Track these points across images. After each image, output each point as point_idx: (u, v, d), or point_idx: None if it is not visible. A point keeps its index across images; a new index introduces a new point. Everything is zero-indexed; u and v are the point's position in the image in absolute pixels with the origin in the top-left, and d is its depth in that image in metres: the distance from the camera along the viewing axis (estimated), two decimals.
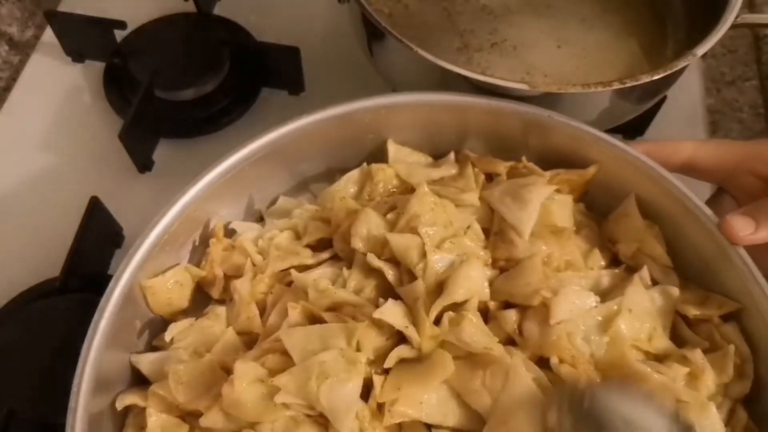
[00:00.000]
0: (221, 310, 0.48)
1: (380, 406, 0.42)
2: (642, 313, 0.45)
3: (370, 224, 0.47)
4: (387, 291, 0.46)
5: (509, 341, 0.44)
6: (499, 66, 0.61)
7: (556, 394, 0.40)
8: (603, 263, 0.49)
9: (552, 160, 0.51)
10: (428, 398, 0.42)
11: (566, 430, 0.38)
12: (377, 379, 0.42)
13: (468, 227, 0.48)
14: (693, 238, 0.47)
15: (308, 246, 0.50)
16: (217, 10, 0.76)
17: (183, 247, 0.50)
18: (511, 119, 0.50)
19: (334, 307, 0.45)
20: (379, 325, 0.43)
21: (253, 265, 0.49)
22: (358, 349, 0.42)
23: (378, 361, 0.43)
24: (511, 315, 0.44)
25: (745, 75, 0.77)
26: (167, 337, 0.47)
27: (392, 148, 0.53)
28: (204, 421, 0.42)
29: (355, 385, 0.41)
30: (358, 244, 0.47)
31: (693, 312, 0.46)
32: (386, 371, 0.43)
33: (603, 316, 0.44)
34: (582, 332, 0.43)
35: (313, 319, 0.45)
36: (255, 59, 0.69)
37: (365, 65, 0.62)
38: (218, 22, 0.74)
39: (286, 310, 0.45)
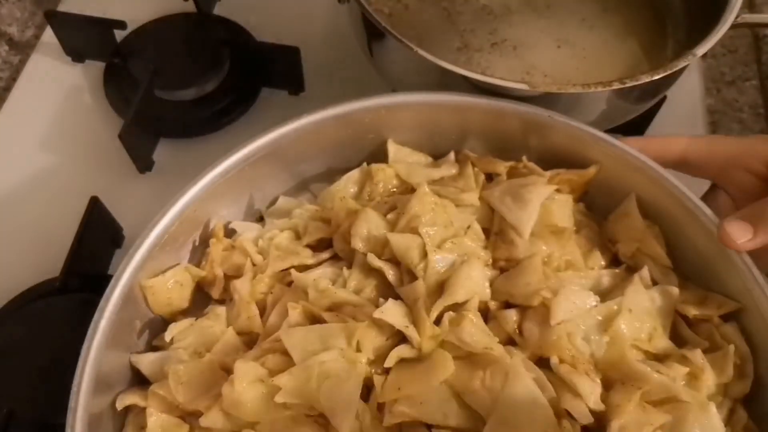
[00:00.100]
0: (221, 310, 0.48)
1: (380, 406, 0.42)
2: (642, 313, 0.45)
3: (370, 224, 0.47)
4: (387, 291, 0.46)
5: (509, 341, 0.44)
6: (499, 66, 0.61)
7: None
8: (603, 263, 0.49)
9: (552, 160, 0.51)
10: (428, 398, 0.41)
11: None
12: (377, 379, 0.42)
13: (468, 227, 0.48)
14: (693, 238, 0.47)
15: (308, 246, 0.50)
16: (217, 10, 0.76)
17: (183, 247, 0.50)
18: (511, 119, 0.50)
19: (334, 307, 0.45)
20: (379, 325, 0.43)
21: (253, 265, 0.49)
22: (359, 349, 0.42)
23: (378, 361, 0.43)
24: (511, 315, 0.44)
25: (745, 75, 0.77)
26: (167, 337, 0.47)
27: (392, 148, 0.53)
28: (204, 421, 0.42)
29: (355, 385, 0.41)
30: (358, 244, 0.47)
31: (693, 312, 0.46)
32: (386, 371, 0.43)
33: (603, 316, 0.44)
34: (582, 332, 0.43)
35: (313, 319, 0.45)
36: (255, 59, 0.69)
37: (365, 65, 0.62)
38: (218, 22, 0.74)
39: (286, 310, 0.45)
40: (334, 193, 0.51)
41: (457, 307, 0.44)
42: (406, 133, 0.53)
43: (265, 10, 0.76)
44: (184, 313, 0.49)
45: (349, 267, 0.48)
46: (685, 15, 0.65)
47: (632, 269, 0.48)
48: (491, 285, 0.46)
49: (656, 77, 0.50)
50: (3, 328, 0.54)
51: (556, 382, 0.41)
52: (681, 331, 0.46)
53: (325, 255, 0.50)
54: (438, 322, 0.43)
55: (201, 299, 0.50)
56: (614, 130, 0.50)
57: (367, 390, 0.42)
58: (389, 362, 0.42)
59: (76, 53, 0.73)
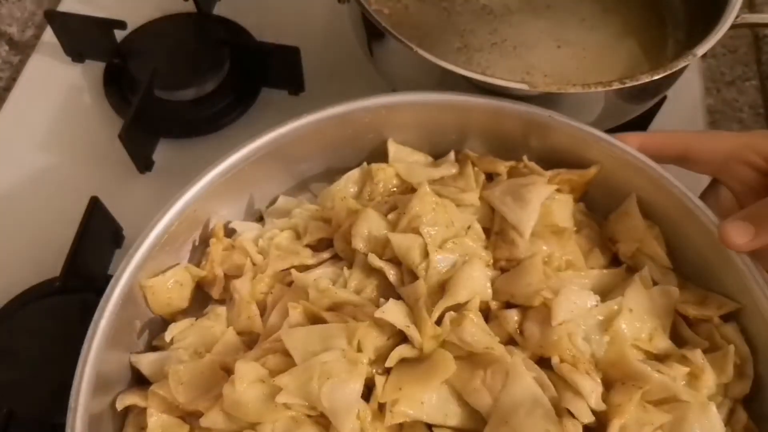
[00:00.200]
0: (221, 310, 0.48)
1: (381, 407, 0.42)
2: (642, 312, 0.45)
3: (371, 224, 0.47)
4: (388, 291, 0.46)
5: (510, 341, 0.44)
6: (499, 66, 0.61)
7: None
8: (603, 263, 0.49)
9: (552, 161, 0.51)
10: (429, 398, 0.41)
11: None
12: (378, 380, 0.42)
13: (469, 227, 0.48)
14: (693, 238, 0.47)
15: (308, 246, 0.50)
16: (217, 10, 0.76)
17: (183, 247, 0.50)
18: (511, 119, 0.50)
19: (335, 307, 0.45)
20: (380, 324, 0.43)
21: (254, 264, 0.49)
22: (360, 350, 0.42)
23: (379, 360, 0.43)
24: (513, 315, 0.44)
25: (745, 75, 0.77)
26: (167, 337, 0.47)
27: (392, 147, 0.53)
28: (204, 422, 0.42)
29: (357, 386, 0.41)
30: (359, 244, 0.47)
31: (693, 312, 0.46)
32: (387, 371, 0.43)
33: (603, 316, 0.44)
34: (582, 332, 0.43)
35: (314, 319, 0.45)
36: (255, 59, 0.69)
37: (365, 65, 0.62)
38: (218, 22, 0.74)
39: (286, 310, 0.45)
40: (335, 192, 0.51)
41: (459, 308, 0.44)
42: (406, 133, 0.53)
43: (265, 10, 0.76)
44: (184, 313, 0.49)
45: (350, 267, 0.48)
46: (685, 15, 0.65)
47: (632, 269, 0.48)
48: (492, 285, 0.46)
49: (656, 77, 0.50)
50: (3, 328, 0.54)
51: (557, 381, 0.42)
52: (681, 331, 0.46)
53: (326, 255, 0.50)
54: (439, 322, 0.43)
55: (201, 299, 0.50)
56: (614, 130, 0.50)
57: (368, 390, 0.42)
58: (390, 362, 0.42)
59: (76, 53, 0.73)
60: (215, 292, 0.49)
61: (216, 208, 0.51)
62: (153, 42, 0.71)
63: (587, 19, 0.65)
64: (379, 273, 0.47)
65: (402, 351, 0.42)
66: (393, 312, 0.43)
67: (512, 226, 0.47)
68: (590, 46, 0.63)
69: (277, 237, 0.50)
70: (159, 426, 0.43)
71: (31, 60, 0.74)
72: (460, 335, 0.42)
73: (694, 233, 0.47)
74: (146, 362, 0.46)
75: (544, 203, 0.48)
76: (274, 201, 0.54)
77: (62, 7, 0.76)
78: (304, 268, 0.48)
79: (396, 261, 0.46)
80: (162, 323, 0.48)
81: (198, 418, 0.42)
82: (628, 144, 0.48)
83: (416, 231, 0.46)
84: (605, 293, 0.46)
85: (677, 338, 0.46)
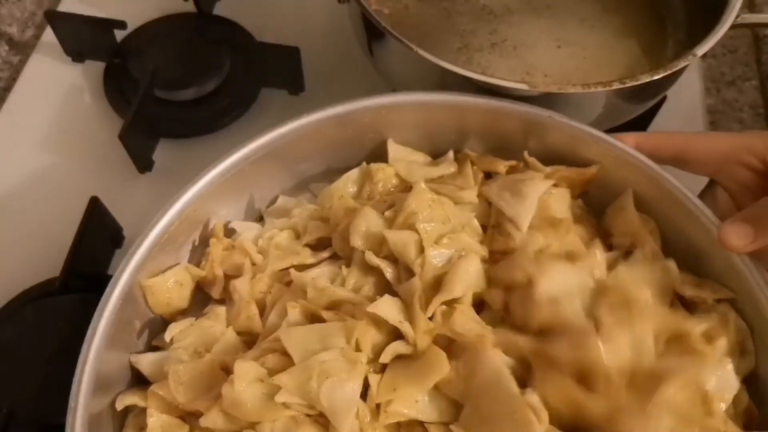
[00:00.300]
0: (221, 310, 0.48)
1: (379, 406, 0.42)
2: (642, 284, 0.45)
3: (368, 222, 0.47)
4: (386, 289, 0.46)
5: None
6: (499, 66, 0.61)
7: None
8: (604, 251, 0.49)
9: (552, 160, 0.51)
10: (423, 396, 0.42)
11: None
12: (373, 379, 0.42)
13: (465, 224, 0.48)
14: (693, 238, 0.47)
15: (308, 245, 0.50)
16: (217, 10, 0.76)
17: (183, 247, 0.50)
18: (511, 119, 0.50)
19: (333, 306, 0.45)
20: (378, 323, 0.43)
21: (254, 264, 0.49)
22: (358, 348, 0.42)
23: (377, 359, 0.43)
24: (498, 293, 0.44)
25: (745, 75, 0.77)
26: (167, 337, 0.47)
27: (392, 147, 0.53)
28: (204, 422, 0.42)
29: (356, 385, 0.41)
30: (357, 242, 0.47)
31: (689, 292, 0.46)
32: (383, 368, 0.43)
33: (595, 286, 0.44)
34: (579, 304, 0.43)
35: (313, 318, 0.45)
36: (255, 59, 0.69)
37: (365, 65, 0.62)
38: (218, 22, 0.74)
39: (285, 309, 0.45)
40: (333, 192, 0.51)
41: (453, 303, 0.44)
42: (406, 133, 0.53)
43: (265, 10, 0.76)
44: (184, 313, 0.49)
45: (348, 266, 0.48)
46: (685, 15, 0.65)
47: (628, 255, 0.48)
48: (486, 276, 0.46)
49: (656, 77, 0.51)
50: (3, 328, 0.54)
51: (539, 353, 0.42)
52: (679, 311, 0.46)
53: (325, 254, 0.49)
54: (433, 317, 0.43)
55: (201, 299, 0.50)
56: (614, 130, 0.50)
57: (366, 389, 0.42)
58: (384, 357, 0.42)
59: (76, 53, 0.73)
60: (215, 292, 0.49)
61: (216, 208, 0.51)
62: (153, 42, 0.71)
63: (587, 19, 0.65)
64: (377, 271, 0.46)
65: (396, 347, 0.42)
66: (386, 307, 0.43)
67: (509, 219, 0.47)
68: (590, 46, 0.63)
69: (277, 237, 0.50)
70: (159, 426, 0.43)
71: (31, 60, 0.74)
72: (452, 327, 0.42)
73: (694, 233, 0.47)
74: (146, 362, 0.46)
75: (541, 197, 0.48)
76: (274, 201, 0.54)
77: (62, 7, 0.76)
78: (303, 267, 0.48)
79: (393, 259, 0.46)
80: (162, 323, 0.48)
81: (198, 418, 0.42)
82: (625, 143, 0.48)
83: (412, 227, 0.46)
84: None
85: None
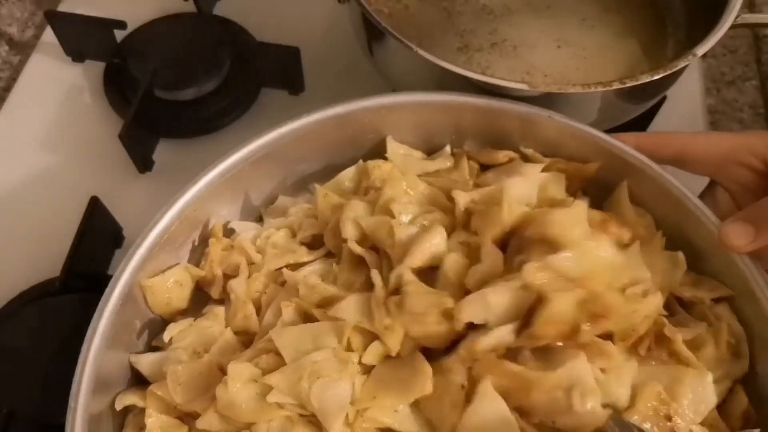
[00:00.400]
0: (220, 310, 0.48)
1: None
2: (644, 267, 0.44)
3: (357, 213, 0.47)
4: None
5: (465, 292, 0.43)
6: (499, 66, 0.61)
7: None
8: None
9: None
10: (404, 407, 0.41)
11: None
12: (359, 381, 0.41)
13: (438, 202, 0.49)
14: (693, 238, 0.47)
15: (304, 244, 0.50)
16: (217, 10, 0.76)
17: (182, 247, 0.50)
18: (510, 119, 0.50)
19: (325, 303, 0.45)
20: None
21: (252, 264, 0.49)
22: (350, 348, 0.42)
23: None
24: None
25: (745, 75, 0.77)
26: (166, 337, 0.47)
27: (391, 145, 0.53)
28: (200, 423, 0.42)
29: (347, 386, 0.40)
30: (348, 233, 0.47)
31: (687, 294, 0.46)
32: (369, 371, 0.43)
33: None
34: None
35: (307, 318, 0.45)
36: (255, 59, 0.69)
37: (365, 65, 0.62)
38: (218, 22, 0.74)
39: (280, 309, 0.45)
40: (319, 191, 0.51)
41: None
42: (405, 133, 0.53)
43: (265, 10, 0.76)
44: (184, 313, 0.49)
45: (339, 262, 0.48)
46: (685, 15, 0.65)
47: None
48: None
49: (656, 77, 0.50)
50: (3, 328, 0.54)
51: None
52: (674, 310, 0.47)
53: (321, 252, 0.49)
54: None
55: (200, 299, 0.50)
56: (614, 130, 0.50)
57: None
58: (367, 358, 0.42)
59: (76, 53, 0.73)
60: (215, 292, 0.49)
61: (216, 208, 0.51)
62: (153, 42, 0.71)
63: (587, 19, 0.65)
64: (367, 266, 0.46)
65: (376, 348, 0.42)
66: (347, 308, 0.42)
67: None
68: (590, 46, 0.63)
69: (274, 236, 0.50)
70: (158, 426, 0.43)
71: (31, 60, 0.74)
72: (409, 310, 0.41)
73: (694, 233, 0.47)
74: (146, 362, 0.46)
75: (538, 182, 0.48)
76: (273, 201, 0.54)
77: (62, 7, 0.76)
78: (299, 266, 0.48)
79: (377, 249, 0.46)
80: (162, 323, 0.48)
81: (196, 419, 0.42)
82: (625, 143, 0.48)
83: (389, 213, 0.46)
84: None
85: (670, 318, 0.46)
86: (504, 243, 0.45)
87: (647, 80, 0.50)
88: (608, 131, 0.50)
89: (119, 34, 0.70)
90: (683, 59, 0.51)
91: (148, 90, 0.65)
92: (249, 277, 0.48)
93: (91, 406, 0.41)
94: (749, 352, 0.44)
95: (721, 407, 0.43)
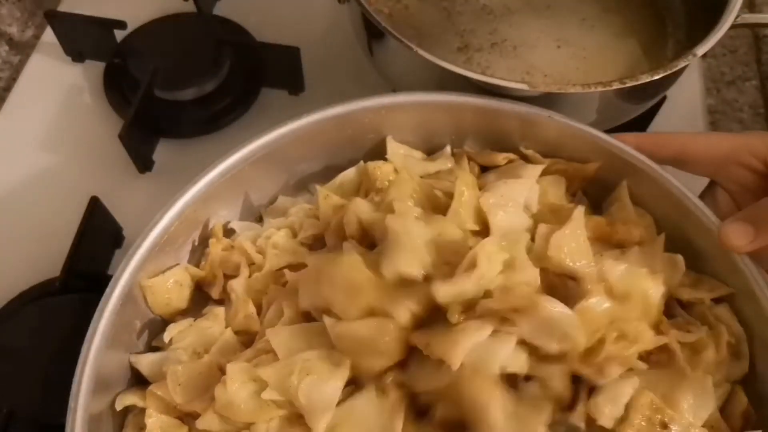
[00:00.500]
0: (220, 310, 0.48)
1: None
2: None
3: (360, 211, 0.47)
4: None
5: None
6: (499, 66, 0.61)
7: None
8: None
9: None
10: None
11: None
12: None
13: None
14: (693, 238, 0.47)
15: (305, 244, 0.50)
16: (217, 10, 0.76)
17: (182, 247, 0.50)
18: (510, 119, 0.50)
19: None
20: None
21: (252, 264, 0.49)
22: None
23: None
24: None
25: (745, 75, 0.77)
26: (166, 337, 0.47)
27: (391, 146, 0.53)
28: (200, 423, 0.42)
29: (336, 387, 0.40)
30: (353, 231, 0.47)
31: (686, 296, 0.46)
32: None
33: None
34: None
35: (308, 318, 0.45)
36: (255, 59, 0.69)
37: (365, 65, 0.62)
38: (218, 22, 0.74)
39: (281, 310, 0.45)
40: (320, 192, 0.51)
41: None
42: (405, 133, 0.53)
43: (265, 10, 0.76)
44: (184, 314, 0.49)
45: None
46: (685, 15, 0.65)
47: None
48: None
49: (656, 77, 0.50)
50: (3, 328, 0.54)
51: None
52: (674, 312, 0.47)
53: (322, 252, 0.49)
54: None
55: (200, 299, 0.50)
56: (614, 130, 0.50)
57: None
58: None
59: (76, 53, 0.73)
60: (215, 293, 0.49)
61: (215, 208, 0.51)
62: (153, 42, 0.71)
63: (587, 19, 0.65)
64: None
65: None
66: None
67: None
68: (590, 46, 0.63)
69: (274, 236, 0.50)
70: (158, 427, 0.43)
71: (31, 60, 0.74)
72: None
73: (694, 233, 0.47)
74: (146, 362, 0.46)
75: (540, 185, 0.48)
76: (273, 201, 0.54)
77: (62, 7, 0.76)
78: (300, 266, 0.48)
79: None
80: (161, 323, 0.48)
81: (196, 419, 0.42)
82: (625, 143, 0.48)
83: (391, 210, 0.46)
84: None
85: (670, 319, 0.46)
86: None
87: (647, 80, 0.50)
88: (608, 131, 0.50)
89: (119, 34, 0.70)
90: (683, 59, 0.51)
91: (148, 90, 0.65)
92: (249, 277, 0.48)
93: (91, 406, 0.41)
94: (749, 353, 0.45)
95: (722, 408, 0.43)
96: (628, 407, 0.40)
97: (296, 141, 0.50)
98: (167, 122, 0.68)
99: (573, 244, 0.44)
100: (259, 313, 0.47)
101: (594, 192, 0.52)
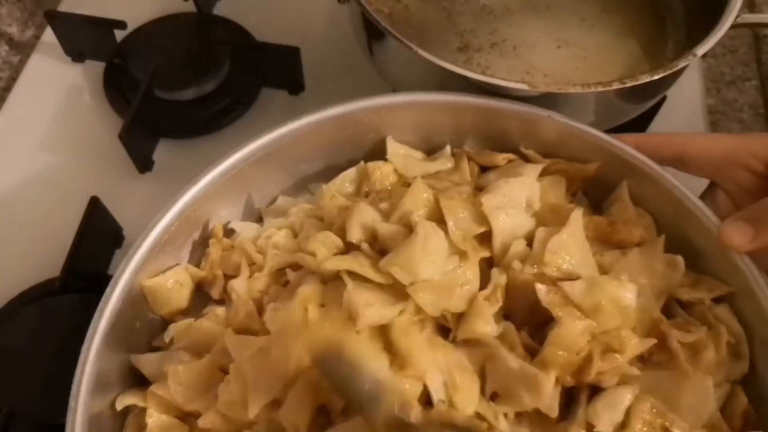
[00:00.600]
0: (220, 310, 0.48)
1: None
2: (641, 270, 0.45)
3: (364, 217, 0.47)
4: None
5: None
6: (499, 66, 0.61)
7: None
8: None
9: None
10: None
11: None
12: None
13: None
14: (693, 238, 0.47)
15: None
16: (217, 10, 0.76)
17: (183, 248, 0.50)
18: (510, 119, 0.50)
19: None
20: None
21: (252, 264, 0.49)
22: None
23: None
24: None
25: (745, 75, 0.77)
26: (166, 337, 0.47)
27: (391, 146, 0.53)
28: (202, 422, 0.42)
29: (285, 374, 0.41)
30: (354, 236, 0.47)
31: (686, 296, 0.46)
32: None
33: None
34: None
35: None
36: (255, 59, 0.69)
37: (365, 65, 0.62)
38: (218, 22, 0.74)
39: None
40: (325, 192, 0.51)
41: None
42: (405, 133, 0.53)
43: (265, 10, 0.76)
44: (184, 314, 0.49)
45: None
46: (685, 15, 0.65)
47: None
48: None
49: (656, 77, 0.50)
50: (3, 328, 0.54)
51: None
52: (674, 312, 0.47)
53: None
54: None
55: (201, 299, 0.50)
56: (614, 130, 0.50)
57: None
58: None
59: (76, 53, 0.73)
60: (215, 293, 0.49)
61: (216, 208, 0.51)
62: (153, 42, 0.71)
63: (587, 19, 0.65)
64: None
65: None
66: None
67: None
68: (590, 46, 0.63)
69: (275, 236, 0.50)
70: (158, 426, 0.43)
71: (31, 60, 0.74)
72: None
73: (694, 233, 0.47)
74: (146, 362, 0.46)
75: (539, 183, 0.48)
76: (273, 201, 0.54)
77: (62, 7, 0.76)
78: (300, 266, 0.48)
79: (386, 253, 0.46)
80: (162, 323, 0.48)
81: (197, 419, 0.42)
82: (625, 144, 0.48)
83: (407, 225, 0.46)
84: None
85: (670, 318, 0.46)
86: None
87: (647, 80, 0.50)
88: (608, 131, 0.50)
89: (119, 34, 0.70)
90: (683, 59, 0.51)
91: (148, 90, 0.65)
92: (250, 277, 0.48)
93: (91, 406, 0.41)
94: (749, 353, 0.45)
95: (722, 408, 0.43)
96: (628, 413, 0.40)
97: (296, 141, 0.50)
98: (167, 122, 0.68)
99: (571, 247, 0.44)
100: (259, 313, 0.47)
101: (594, 192, 0.52)
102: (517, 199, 0.47)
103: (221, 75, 0.69)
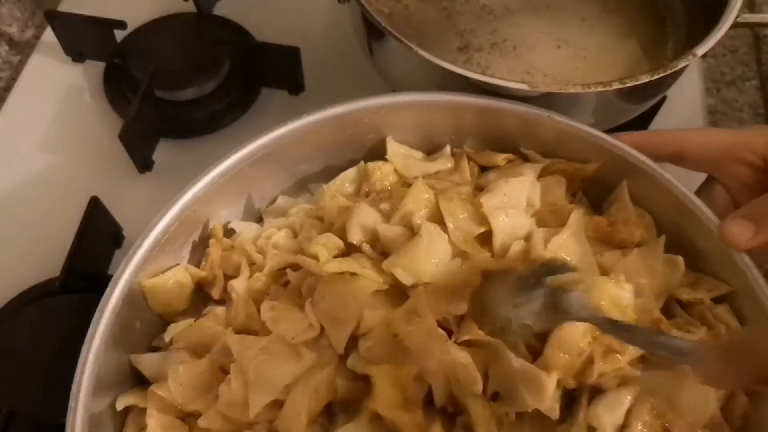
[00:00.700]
0: (220, 310, 0.48)
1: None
2: (641, 271, 0.45)
3: (364, 217, 0.47)
4: None
5: None
6: (499, 66, 0.61)
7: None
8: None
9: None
10: None
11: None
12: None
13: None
14: (693, 237, 0.47)
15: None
16: (217, 10, 0.76)
17: (183, 248, 0.50)
18: (510, 119, 0.50)
19: None
20: None
21: (252, 264, 0.49)
22: None
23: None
24: None
25: (745, 75, 0.77)
26: (166, 337, 0.47)
27: (391, 146, 0.53)
28: (202, 422, 0.42)
29: (287, 374, 0.42)
30: (354, 237, 0.47)
31: (686, 296, 0.46)
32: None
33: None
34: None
35: None
36: (255, 59, 0.69)
37: (365, 65, 0.62)
38: (218, 22, 0.74)
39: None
40: (326, 192, 0.51)
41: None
42: (405, 133, 0.53)
43: (265, 10, 0.76)
44: (184, 314, 0.49)
45: None
46: (685, 15, 0.65)
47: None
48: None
49: (656, 77, 0.50)
50: (3, 328, 0.54)
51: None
52: (674, 312, 0.47)
53: None
54: None
55: (200, 299, 0.50)
56: (614, 130, 0.50)
57: None
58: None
59: (76, 53, 0.73)
60: (215, 293, 0.49)
61: (216, 208, 0.51)
62: (153, 42, 0.71)
63: (587, 19, 0.65)
64: None
65: None
66: None
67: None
68: (590, 46, 0.63)
69: (275, 236, 0.50)
70: (158, 426, 0.43)
71: (31, 60, 0.74)
72: None
73: (693, 232, 0.47)
74: (146, 362, 0.46)
75: (539, 183, 0.48)
76: (273, 201, 0.54)
77: (62, 7, 0.76)
78: (300, 266, 0.48)
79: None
80: (162, 323, 0.48)
81: (197, 419, 0.42)
82: (624, 143, 0.48)
83: (408, 226, 0.46)
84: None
85: (670, 319, 0.46)
86: None
87: (647, 80, 0.50)
88: (608, 131, 0.50)
89: (119, 34, 0.70)
90: (683, 59, 0.51)
91: (148, 90, 0.65)
92: (250, 277, 0.48)
93: (91, 406, 0.41)
94: None
95: (722, 408, 0.43)
96: (628, 414, 0.40)
97: (296, 141, 0.50)
98: (167, 122, 0.68)
99: (571, 247, 0.44)
100: (259, 312, 0.47)
101: (594, 192, 0.52)
102: (517, 199, 0.47)
103: (221, 75, 0.69)
